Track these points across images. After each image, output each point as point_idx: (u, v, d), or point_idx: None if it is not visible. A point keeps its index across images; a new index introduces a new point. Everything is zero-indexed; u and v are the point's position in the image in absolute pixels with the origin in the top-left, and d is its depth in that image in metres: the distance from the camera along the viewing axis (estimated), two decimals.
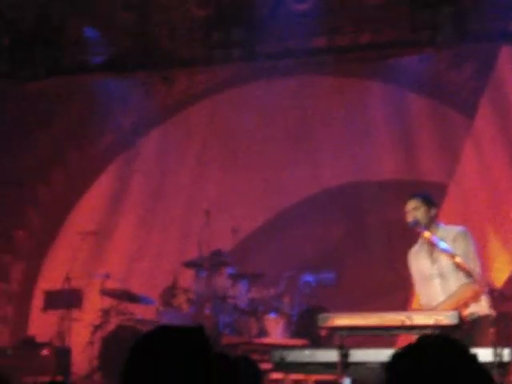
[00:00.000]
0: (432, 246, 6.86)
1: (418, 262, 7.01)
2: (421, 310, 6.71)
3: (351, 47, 10.52)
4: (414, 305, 7.03)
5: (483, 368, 2.60)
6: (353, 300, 10.08)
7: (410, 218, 6.92)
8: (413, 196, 7.06)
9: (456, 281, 6.78)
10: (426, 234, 6.81)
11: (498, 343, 6.13)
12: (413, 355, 2.57)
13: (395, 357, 2.61)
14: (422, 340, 2.63)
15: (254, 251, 10.95)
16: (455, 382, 2.50)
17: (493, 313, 6.55)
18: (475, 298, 6.74)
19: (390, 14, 10.06)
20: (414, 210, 6.91)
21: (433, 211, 6.98)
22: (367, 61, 10.75)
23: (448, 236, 6.85)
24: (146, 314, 10.17)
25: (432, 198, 7.14)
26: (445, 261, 6.80)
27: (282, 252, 10.73)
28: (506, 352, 6.13)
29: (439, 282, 6.87)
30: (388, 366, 2.60)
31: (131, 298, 10.14)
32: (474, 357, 2.59)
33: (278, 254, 10.71)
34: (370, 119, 11.08)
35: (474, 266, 6.75)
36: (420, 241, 7.06)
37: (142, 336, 2.62)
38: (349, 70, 11.03)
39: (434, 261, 6.91)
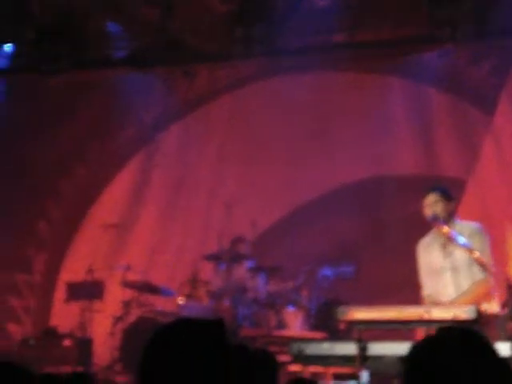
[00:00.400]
0: (450, 240, 6.90)
1: (430, 254, 7.04)
2: (439, 304, 6.75)
3: (371, 43, 10.55)
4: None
5: (503, 361, 2.57)
6: (371, 294, 10.06)
7: (428, 212, 6.95)
8: (432, 190, 7.09)
9: (468, 276, 6.85)
10: (445, 228, 6.86)
11: None
12: (432, 347, 2.54)
13: (414, 349, 2.58)
14: (442, 332, 2.61)
15: (273, 245, 11.00)
16: (475, 374, 2.46)
17: (504, 311, 6.60)
18: (488, 295, 6.78)
19: (409, 10, 10.09)
20: (434, 204, 6.94)
21: (451, 206, 7.03)
22: (387, 57, 10.77)
23: (464, 232, 6.90)
24: (167, 305, 10.25)
25: (450, 192, 7.17)
26: (459, 255, 6.85)
27: (301, 246, 10.77)
28: None
29: (450, 275, 6.91)
30: (406, 358, 2.57)
31: (152, 289, 10.21)
32: (494, 350, 2.56)
33: (297, 247, 10.75)
34: (390, 115, 11.09)
35: (489, 263, 6.80)
36: (432, 233, 7.09)
37: (161, 328, 2.59)
38: (368, 66, 11.05)
39: (447, 254, 6.96)
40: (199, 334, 2.57)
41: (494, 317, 6.60)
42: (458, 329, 2.62)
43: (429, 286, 7.06)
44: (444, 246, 6.96)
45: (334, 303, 9.34)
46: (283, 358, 7.23)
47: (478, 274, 6.83)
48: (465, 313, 6.14)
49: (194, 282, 9.99)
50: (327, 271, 10.33)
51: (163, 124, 11.88)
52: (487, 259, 6.81)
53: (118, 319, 10.19)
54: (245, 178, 11.54)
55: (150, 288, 10.19)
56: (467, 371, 2.47)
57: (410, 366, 2.56)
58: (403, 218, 10.14)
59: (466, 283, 6.88)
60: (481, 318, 6.22)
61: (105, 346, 10.32)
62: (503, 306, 6.65)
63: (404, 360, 2.59)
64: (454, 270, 6.91)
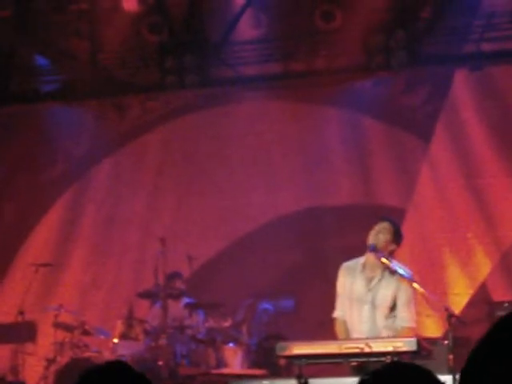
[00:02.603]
0: (388, 270, 6.83)
1: (353, 280, 6.97)
2: (380, 337, 6.62)
3: (305, 73, 10.51)
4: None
5: None
6: (312, 327, 9.99)
7: (371, 240, 6.85)
8: (386, 219, 7.03)
9: (383, 318, 6.82)
10: (384, 259, 6.76)
11: (456, 370, 6.09)
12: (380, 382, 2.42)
13: None
14: (389, 367, 2.49)
15: (211, 279, 10.83)
16: None
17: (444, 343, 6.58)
18: None
19: (343, 39, 10.05)
20: (380, 233, 6.85)
21: (393, 246, 6.94)
22: (322, 86, 10.71)
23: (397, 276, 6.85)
24: (101, 346, 9.96)
25: (401, 235, 7.09)
26: (382, 294, 6.84)
27: (240, 280, 10.61)
28: None
29: (368, 310, 6.87)
30: None
31: (85, 330, 9.92)
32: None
33: (236, 282, 10.58)
34: (326, 144, 11.03)
35: (412, 312, 6.85)
36: (357, 261, 7.02)
37: (87, 371, 2.63)
38: (304, 96, 10.99)
39: (370, 289, 6.90)
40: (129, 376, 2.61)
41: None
42: (404, 364, 2.49)
43: (345, 310, 6.99)
44: (369, 280, 6.86)
45: (274, 338, 9.17)
46: None
47: (403, 322, 6.81)
48: (405, 345, 6.08)
49: (129, 320, 9.73)
50: (267, 305, 10.21)
51: (95, 158, 11.63)
52: (412, 311, 6.84)
53: (51, 361, 9.88)
54: (180, 212, 11.35)
55: (83, 329, 9.88)
56: None
57: None
58: (341, 248, 10.05)
59: (381, 324, 6.83)
60: (421, 350, 6.16)
61: None
62: (444, 337, 6.64)
63: None
64: (374, 306, 6.88)
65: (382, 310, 6.82)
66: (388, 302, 6.81)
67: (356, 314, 6.90)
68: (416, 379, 2.41)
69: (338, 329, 6.98)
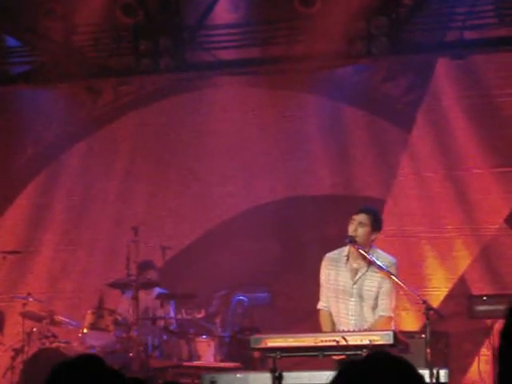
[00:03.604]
0: (367, 263, 6.80)
1: (338, 272, 6.91)
2: (355, 331, 6.54)
3: (284, 58, 10.32)
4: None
5: None
6: (288, 320, 9.95)
7: (350, 231, 6.78)
8: (363, 210, 6.97)
9: (370, 310, 6.80)
10: (361, 251, 6.73)
11: (434, 364, 6.08)
12: (359, 373, 2.39)
13: (338, 377, 2.42)
14: (370, 357, 2.48)
15: (185, 270, 10.70)
16: None
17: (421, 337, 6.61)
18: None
19: (323, 25, 9.87)
20: (359, 227, 6.77)
21: (374, 235, 6.90)
22: (301, 72, 10.54)
23: (382, 261, 6.80)
24: (70, 336, 9.80)
25: (381, 221, 7.06)
26: (368, 286, 6.81)
27: (214, 271, 10.48)
28: (442, 373, 6.09)
29: (354, 303, 6.83)
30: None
31: (54, 320, 9.73)
32: (421, 377, 2.48)
33: (210, 272, 10.46)
34: (305, 133, 10.87)
35: (392, 303, 6.84)
36: (340, 253, 6.96)
37: (59, 365, 2.62)
38: (282, 82, 10.82)
39: (355, 282, 6.86)
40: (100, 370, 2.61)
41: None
42: (381, 354, 2.50)
43: (330, 302, 6.95)
44: (354, 273, 6.83)
45: (248, 331, 9.07)
46: None
47: (381, 311, 6.82)
48: (382, 338, 6.09)
49: (99, 310, 9.56)
50: (242, 297, 10.07)
51: (66, 143, 11.40)
52: (393, 299, 6.86)
53: (18, 351, 9.73)
54: (154, 199, 11.16)
55: (51, 318, 9.69)
56: None
57: None
58: (319, 238, 9.96)
59: (369, 316, 6.83)
60: (398, 343, 6.16)
61: (4, 380, 9.86)
62: (421, 331, 6.67)
63: None
64: (360, 298, 6.87)
65: (369, 302, 6.79)
66: (373, 294, 6.79)
67: (342, 307, 6.86)
68: (395, 370, 2.40)
69: (323, 320, 6.94)
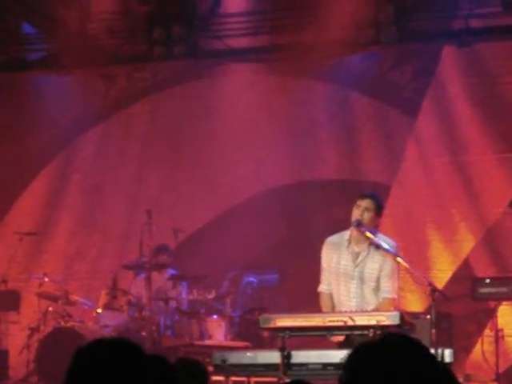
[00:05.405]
0: (372, 245, 6.86)
1: (340, 256, 6.98)
2: (363, 311, 6.67)
3: (293, 46, 10.46)
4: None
5: (446, 367, 2.53)
6: (296, 301, 9.99)
7: (356, 216, 6.87)
8: (369, 196, 7.03)
9: (372, 292, 6.87)
10: (368, 233, 6.80)
11: (439, 344, 6.15)
12: (374, 353, 2.43)
13: (354, 355, 2.46)
14: (382, 338, 2.51)
15: (196, 252, 10.79)
16: (418, 380, 2.38)
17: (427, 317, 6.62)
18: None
19: (332, 13, 10.01)
20: (365, 211, 6.85)
21: (378, 220, 7.00)
22: (310, 60, 10.66)
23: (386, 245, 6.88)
24: (85, 315, 9.98)
25: (382, 206, 7.18)
26: (369, 269, 6.88)
27: (225, 252, 10.58)
28: (447, 353, 6.16)
29: (356, 286, 6.90)
30: (347, 366, 2.45)
31: (69, 300, 9.93)
32: (433, 356, 2.51)
33: (220, 254, 10.56)
34: (313, 119, 11.00)
35: (394, 284, 6.91)
36: (342, 236, 7.04)
37: (82, 349, 2.58)
38: (291, 70, 10.93)
39: (357, 264, 6.94)
40: (118, 355, 2.56)
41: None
42: (396, 335, 2.53)
43: (332, 285, 7.02)
44: (356, 256, 6.90)
45: (258, 311, 9.19)
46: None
47: (385, 293, 6.88)
48: (388, 319, 6.13)
49: (113, 291, 9.73)
50: (251, 278, 10.23)
51: (81, 128, 11.54)
52: (395, 280, 6.92)
53: (34, 330, 9.92)
54: (167, 183, 11.28)
55: (67, 298, 9.89)
56: (410, 377, 2.39)
57: (352, 373, 2.43)
58: (327, 222, 10.05)
59: (370, 298, 6.89)
60: (404, 324, 6.20)
61: (21, 357, 10.07)
62: (426, 312, 6.66)
63: (345, 367, 2.45)
64: (362, 281, 6.92)
65: (370, 284, 6.86)
66: (375, 276, 6.85)
67: (344, 289, 6.92)
68: (409, 351, 2.42)
69: (324, 303, 7.02)
